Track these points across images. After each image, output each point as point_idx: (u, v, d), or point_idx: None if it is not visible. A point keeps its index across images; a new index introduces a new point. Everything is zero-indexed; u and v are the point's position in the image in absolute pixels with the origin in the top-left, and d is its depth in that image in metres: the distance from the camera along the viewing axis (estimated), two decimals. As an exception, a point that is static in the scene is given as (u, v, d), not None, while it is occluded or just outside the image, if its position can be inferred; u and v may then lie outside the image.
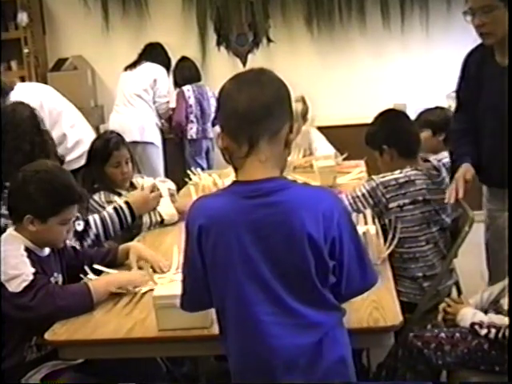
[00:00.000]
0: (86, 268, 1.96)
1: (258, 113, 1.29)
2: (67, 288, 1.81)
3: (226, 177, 3.19)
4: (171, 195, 2.87)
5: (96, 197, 2.67)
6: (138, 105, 4.52)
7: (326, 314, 1.33)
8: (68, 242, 2.08)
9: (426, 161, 2.40)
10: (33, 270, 1.75)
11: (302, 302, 1.31)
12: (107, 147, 2.71)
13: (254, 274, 1.30)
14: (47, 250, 1.91)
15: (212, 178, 2.98)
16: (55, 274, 1.89)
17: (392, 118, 2.45)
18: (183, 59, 4.75)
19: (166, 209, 2.70)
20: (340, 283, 1.35)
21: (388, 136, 2.35)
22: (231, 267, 1.31)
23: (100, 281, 1.86)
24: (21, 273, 1.72)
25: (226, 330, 1.38)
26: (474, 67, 2.29)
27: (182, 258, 1.42)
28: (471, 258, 2.52)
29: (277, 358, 1.31)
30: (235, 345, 1.36)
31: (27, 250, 1.81)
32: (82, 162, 3.04)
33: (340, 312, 1.38)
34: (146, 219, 2.63)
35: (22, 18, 4.87)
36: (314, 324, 1.32)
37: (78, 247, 2.13)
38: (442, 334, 1.91)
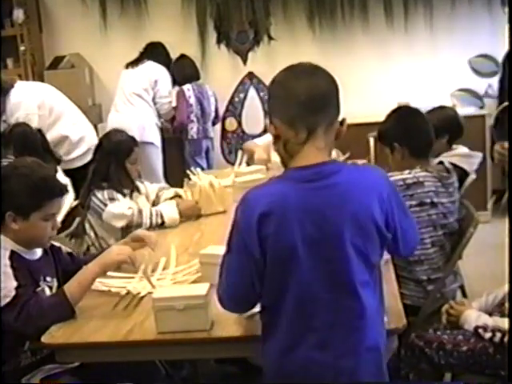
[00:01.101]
0: None
1: (319, 101, 1.35)
2: (46, 302, 1.74)
3: (224, 177, 3.16)
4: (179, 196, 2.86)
5: (99, 194, 2.66)
6: (137, 104, 4.48)
7: (372, 302, 1.37)
8: (64, 247, 2.04)
9: (440, 163, 2.36)
10: (15, 283, 1.70)
11: (360, 283, 1.35)
12: (128, 143, 2.73)
13: (318, 256, 1.33)
14: (38, 253, 1.87)
15: (209, 179, 2.93)
16: (48, 279, 1.85)
17: (406, 116, 2.41)
18: (182, 57, 4.72)
19: (169, 212, 2.67)
20: (398, 247, 1.45)
21: (400, 134, 2.31)
22: (295, 250, 1.33)
23: (73, 283, 1.77)
24: (3, 287, 1.68)
25: (276, 322, 1.39)
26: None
27: (227, 251, 1.41)
28: (476, 260, 2.51)
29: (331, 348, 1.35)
30: (288, 336, 1.37)
31: (14, 254, 1.77)
32: (86, 159, 3.03)
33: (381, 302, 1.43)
34: (146, 220, 2.61)
35: (18, 14, 4.83)
36: (364, 310, 1.35)
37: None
38: (445, 336, 1.90)
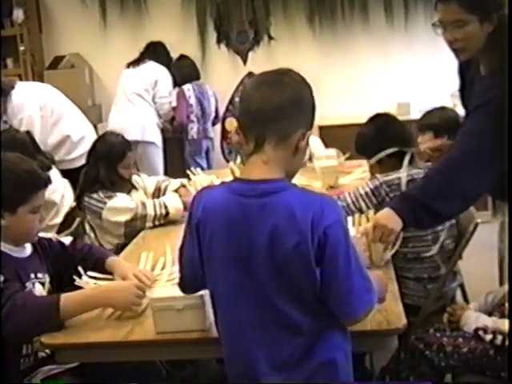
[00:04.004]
0: (80, 269, 1.90)
1: (268, 114, 1.29)
2: (34, 299, 1.70)
3: (224, 177, 3.16)
4: (183, 186, 2.83)
5: (94, 195, 2.64)
6: (138, 103, 4.48)
7: (315, 320, 1.32)
8: (55, 237, 2.03)
9: (427, 161, 2.37)
10: (2, 278, 1.67)
11: (289, 303, 1.30)
12: (120, 148, 2.69)
13: (244, 272, 1.31)
14: (28, 250, 1.86)
15: (210, 180, 2.93)
16: (39, 275, 1.83)
17: (384, 126, 2.38)
18: (182, 57, 4.72)
19: (173, 202, 2.65)
20: (322, 296, 1.30)
21: (385, 146, 2.29)
22: (223, 264, 1.33)
23: (73, 297, 1.69)
24: None
25: (219, 330, 1.41)
26: (463, 66, 2.11)
27: (181, 239, 1.44)
28: (476, 260, 2.51)
29: (259, 363, 1.32)
30: (223, 344, 1.39)
31: (1, 253, 1.74)
32: (84, 160, 3.03)
33: (334, 318, 1.36)
34: (150, 211, 2.59)
35: (18, 14, 4.83)
36: (300, 328, 1.31)
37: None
38: (445, 338, 1.90)
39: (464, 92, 2.09)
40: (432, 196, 1.83)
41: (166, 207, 2.61)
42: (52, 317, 1.63)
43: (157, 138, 4.56)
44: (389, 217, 1.85)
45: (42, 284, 1.84)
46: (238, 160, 3.54)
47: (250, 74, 4.98)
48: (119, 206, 2.60)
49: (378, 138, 2.33)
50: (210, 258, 1.35)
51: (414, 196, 1.87)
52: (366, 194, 2.24)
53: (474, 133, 1.85)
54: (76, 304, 1.68)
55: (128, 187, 2.75)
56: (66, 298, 1.68)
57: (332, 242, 1.26)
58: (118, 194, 2.65)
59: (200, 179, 3.04)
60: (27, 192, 1.77)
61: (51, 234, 2.03)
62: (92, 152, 2.76)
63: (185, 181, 2.90)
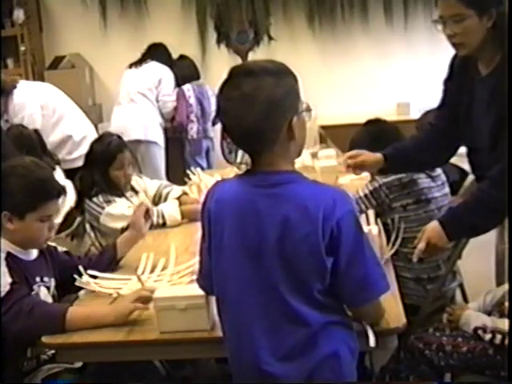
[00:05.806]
0: (81, 269, 1.90)
1: (253, 136, 1.29)
2: (41, 307, 1.70)
3: (226, 177, 3.15)
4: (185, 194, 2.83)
5: (94, 198, 2.63)
6: (141, 103, 4.46)
7: (320, 313, 1.33)
8: (59, 247, 2.03)
9: None
10: (10, 280, 1.68)
11: (295, 295, 1.31)
12: (110, 150, 2.67)
13: (252, 261, 1.32)
14: (34, 254, 1.85)
15: (215, 179, 2.93)
16: (45, 279, 1.83)
17: (378, 133, 2.40)
18: (182, 57, 4.72)
19: (171, 212, 2.64)
20: (335, 286, 1.32)
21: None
22: (232, 253, 1.34)
23: (80, 311, 1.71)
24: None
25: (224, 322, 1.41)
26: (458, 68, 2.11)
27: (200, 237, 1.46)
28: (476, 260, 2.51)
29: (262, 352, 1.33)
30: (227, 335, 1.40)
31: (9, 255, 1.75)
32: None
33: (340, 314, 1.37)
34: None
35: (18, 15, 4.84)
36: (306, 320, 1.32)
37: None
38: (444, 337, 1.90)
39: (462, 96, 2.06)
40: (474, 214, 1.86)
41: (163, 217, 2.61)
42: (57, 328, 1.64)
43: (159, 137, 4.55)
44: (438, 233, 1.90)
45: (48, 288, 1.83)
46: (238, 159, 3.54)
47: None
48: (116, 213, 2.58)
49: (373, 146, 2.33)
50: (221, 248, 1.36)
51: (459, 214, 1.91)
52: (366, 196, 2.25)
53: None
54: (82, 320, 1.67)
55: (127, 189, 2.73)
56: (72, 311, 1.68)
57: (345, 232, 1.28)
58: (118, 199, 2.64)
59: (205, 180, 3.03)
60: (37, 200, 1.75)
61: (55, 244, 2.01)
62: (88, 154, 2.75)
63: (187, 189, 2.89)
